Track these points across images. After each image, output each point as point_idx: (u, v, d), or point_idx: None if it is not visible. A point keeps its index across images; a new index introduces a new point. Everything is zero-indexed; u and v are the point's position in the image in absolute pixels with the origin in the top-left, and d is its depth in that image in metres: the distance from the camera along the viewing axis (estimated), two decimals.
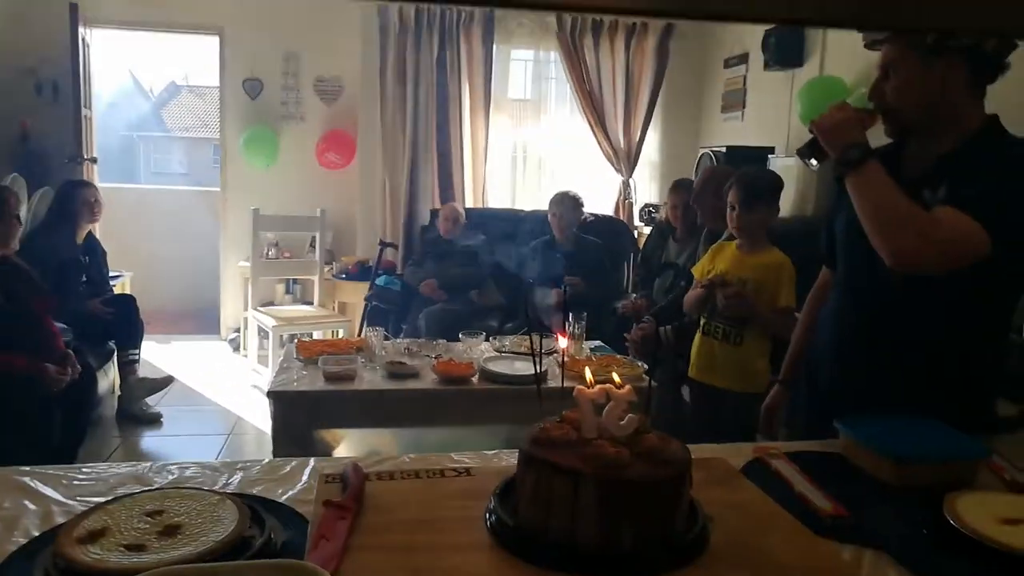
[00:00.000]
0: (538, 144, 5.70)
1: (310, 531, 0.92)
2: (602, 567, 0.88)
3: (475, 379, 2.54)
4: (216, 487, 1.09)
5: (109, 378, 4.07)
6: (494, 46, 5.33)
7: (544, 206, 4.48)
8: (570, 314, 2.86)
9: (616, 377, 1.04)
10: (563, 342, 1.36)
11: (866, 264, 1.49)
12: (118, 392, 4.06)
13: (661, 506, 0.92)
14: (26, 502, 1.02)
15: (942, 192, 1.37)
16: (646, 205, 5.44)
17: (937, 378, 1.43)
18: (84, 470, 1.14)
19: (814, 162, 1.53)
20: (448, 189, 5.34)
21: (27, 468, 1.13)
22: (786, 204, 3.17)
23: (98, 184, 4.72)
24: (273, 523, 0.95)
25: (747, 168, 2.86)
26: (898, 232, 1.35)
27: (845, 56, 3.91)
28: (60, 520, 0.96)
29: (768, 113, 4.65)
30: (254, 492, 1.08)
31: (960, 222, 1.30)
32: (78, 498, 1.04)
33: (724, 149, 4.34)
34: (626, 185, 5.58)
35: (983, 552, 0.95)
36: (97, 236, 4.28)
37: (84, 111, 5.09)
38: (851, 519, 1.05)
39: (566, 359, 1.40)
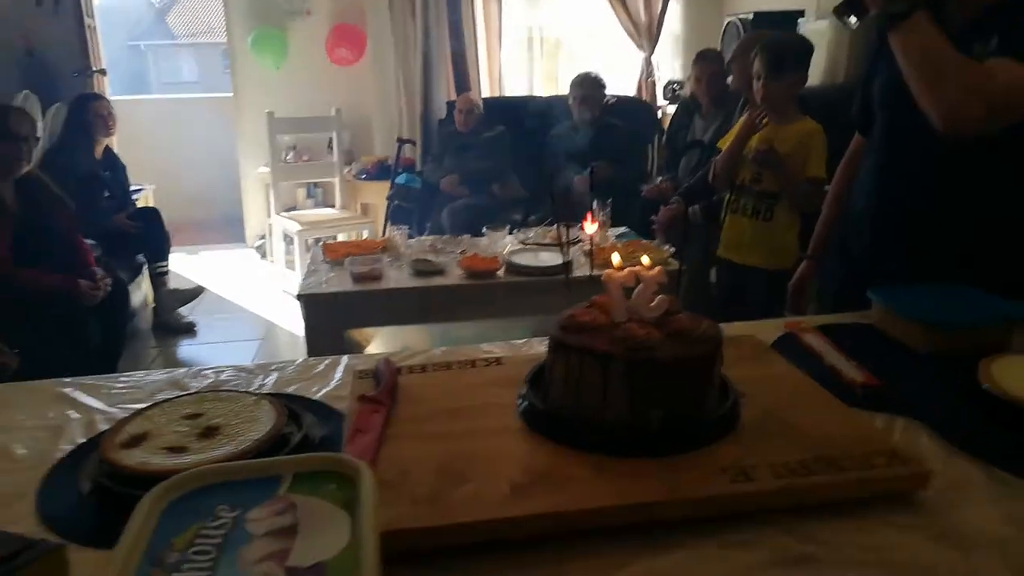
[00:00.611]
0: (554, 25, 5.46)
1: (346, 425, 0.94)
2: (634, 446, 0.89)
3: (501, 272, 2.54)
4: (252, 389, 1.11)
5: (142, 291, 4.16)
6: None
7: (564, 91, 4.33)
8: (595, 201, 2.82)
9: (645, 259, 1.02)
10: (591, 227, 1.32)
11: (907, 125, 1.42)
12: (151, 304, 4.15)
13: (691, 385, 0.92)
14: (70, 412, 1.06)
15: (994, 43, 1.27)
16: (670, 82, 5.24)
17: (979, 247, 1.38)
18: (123, 379, 1.17)
19: (853, 19, 1.40)
20: (463, 79, 5.19)
21: (68, 379, 1.16)
22: (816, 71, 3.01)
23: (110, 97, 4.66)
24: (310, 420, 0.97)
25: (773, 34, 2.72)
26: (947, 86, 1.25)
27: None
28: (103, 428, 0.99)
29: None
30: (289, 391, 1.11)
31: (1016, 74, 1.21)
32: (119, 406, 1.07)
33: (751, 16, 4.11)
34: (648, 62, 5.36)
35: (1016, 414, 0.94)
36: (115, 150, 4.27)
37: (87, 20, 4.96)
38: (883, 388, 1.05)
39: (593, 247, 1.37)
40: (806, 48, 2.46)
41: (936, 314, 1.19)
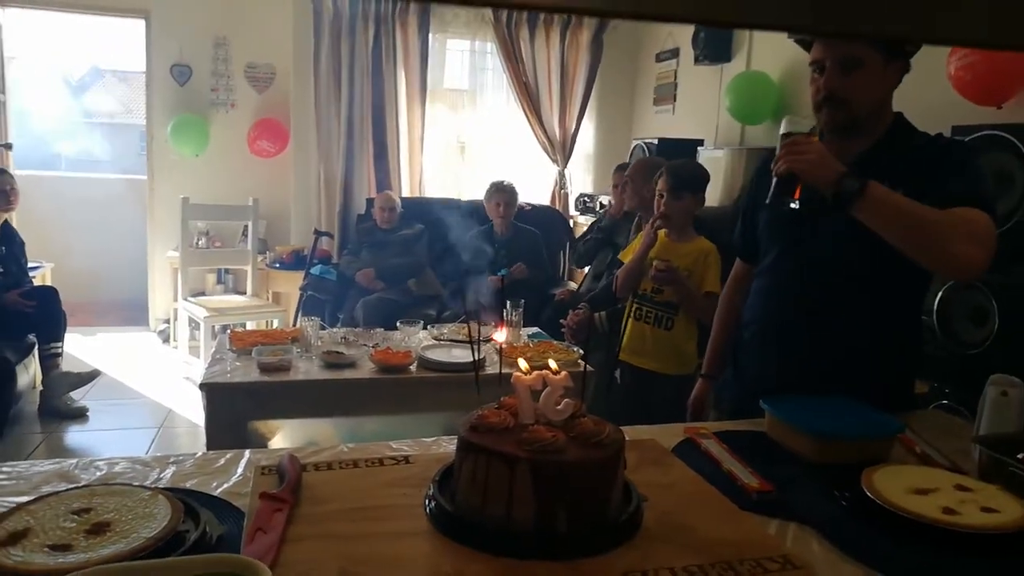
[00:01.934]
0: (475, 134, 5.69)
1: (246, 524, 0.91)
2: (539, 549, 0.90)
3: (413, 367, 2.53)
4: (147, 483, 1.06)
5: (30, 372, 3.90)
6: (430, 35, 5.29)
7: (481, 195, 4.48)
8: (508, 302, 2.88)
9: (553, 364, 1.06)
10: (501, 335, 1.37)
11: (792, 260, 1.56)
12: (40, 387, 3.89)
13: (596, 488, 0.94)
14: None
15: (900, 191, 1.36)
16: (581, 195, 5.51)
17: (861, 361, 1.50)
18: (3, 469, 1.10)
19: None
20: (384, 178, 5.29)
21: None
22: (714, 194, 3.26)
23: (14, 171, 4.50)
24: (208, 517, 0.94)
25: (676, 159, 2.94)
26: (949, 242, 1.31)
27: (770, 52, 4.04)
28: None
29: (698, 106, 4.76)
30: (187, 486, 1.06)
31: (980, 216, 1.33)
32: None
33: (656, 141, 4.42)
34: (562, 175, 5.63)
35: (898, 521, 1.01)
36: (14, 225, 4.08)
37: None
38: (776, 494, 1.10)
39: (504, 346, 1.41)
40: (704, 174, 2.67)
41: (824, 426, 1.27)
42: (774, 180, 1.44)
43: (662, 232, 2.62)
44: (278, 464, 1.07)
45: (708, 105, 4.58)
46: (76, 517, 0.87)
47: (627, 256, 2.75)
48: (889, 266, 1.45)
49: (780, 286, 1.61)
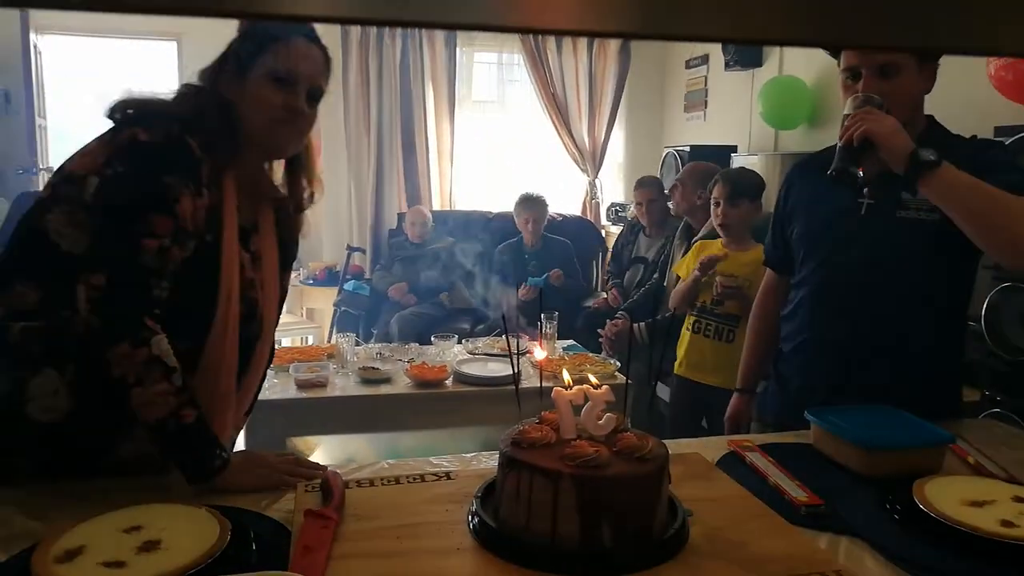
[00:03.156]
0: (504, 146, 5.71)
1: (293, 541, 0.91)
2: (585, 566, 0.89)
3: (449, 382, 2.54)
4: (194, 500, 1.07)
5: None
6: (457, 49, 5.33)
7: (511, 207, 4.49)
8: (542, 314, 2.88)
9: (593, 378, 1.05)
10: (540, 353, 1.37)
11: (836, 268, 1.52)
12: None
13: (641, 503, 0.93)
14: None
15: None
16: (613, 204, 5.49)
17: (908, 369, 1.47)
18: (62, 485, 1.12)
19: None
20: (415, 192, 5.33)
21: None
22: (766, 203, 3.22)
23: None
24: (255, 534, 0.94)
25: (731, 167, 2.92)
26: (1020, 224, 1.29)
27: (801, 57, 3.99)
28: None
29: (730, 112, 4.72)
30: (234, 504, 1.07)
31: None
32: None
33: (688, 148, 4.40)
34: (592, 185, 5.62)
35: (953, 534, 0.98)
36: None
37: (39, 120, 4.97)
38: (826, 508, 1.08)
39: (542, 362, 1.40)
40: (760, 181, 2.64)
41: (872, 437, 1.24)
42: (838, 151, 1.40)
43: (718, 241, 2.60)
44: (321, 481, 1.08)
45: (740, 111, 4.55)
46: (127, 535, 0.88)
47: (681, 270, 2.73)
48: (933, 270, 1.42)
49: (822, 296, 1.57)
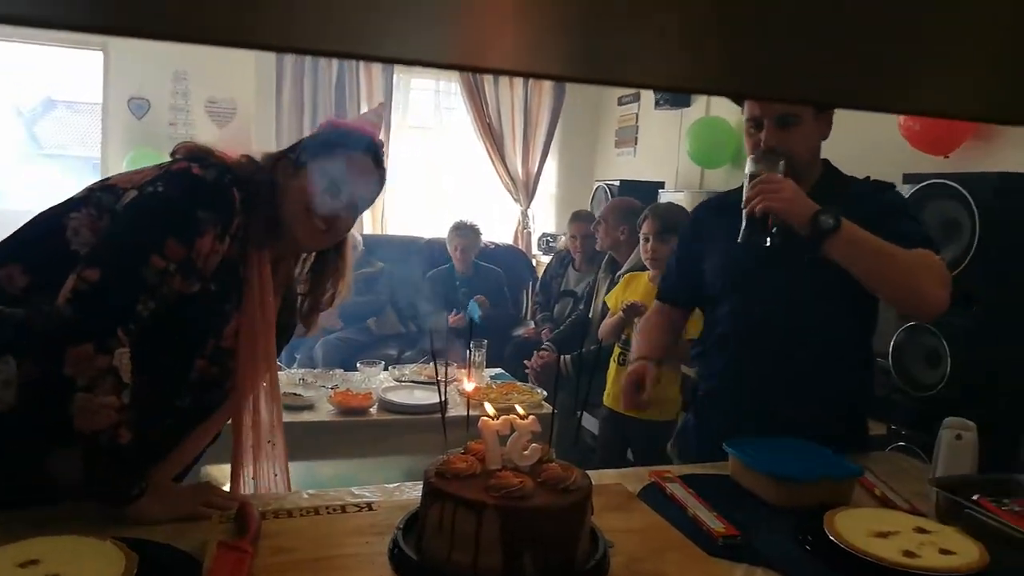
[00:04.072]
0: (438, 172, 5.72)
1: (204, 575, 0.87)
2: None
3: (374, 409, 2.50)
4: (98, 531, 1.02)
5: None
6: (394, 75, 5.33)
7: (443, 233, 4.49)
8: (471, 342, 2.87)
9: (520, 409, 1.05)
10: (469, 385, 1.36)
11: (754, 301, 1.56)
12: None
13: (564, 534, 0.94)
14: None
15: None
16: (544, 234, 5.56)
17: (819, 404, 1.51)
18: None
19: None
20: None
21: None
22: None
23: None
24: (163, 568, 0.90)
25: (658, 203, 3.01)
26: (920, 281, 1.36)
27: (728, 99, 4.16)
28: None
29: (658, 149, 4.87)
30: (140, 536, 1.02)
31: (937, 259, 1.41)
32: None
33: (618, 182, 4.50)
34: (524, 215, 5.68)
35: (859, 565, 1.01)
36: None
37: None
38: (742, 539, 1.10)
39: (470, 392, 1.39)
40: (687, 217, 2.72)
41: (786, 469, 1.28)
42: (744, 218, 1.45)
43: (645, 275, 2.66)
44: (236, 511, 1.04)
45: (668, 148, 4.69)
46: (23, 571, 0.82)
47: (611, 300, 2.78)
48: (840, 309, 1.48)
49: (738, 335, 1.60)
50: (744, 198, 1.45)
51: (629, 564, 0.98)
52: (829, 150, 1.59)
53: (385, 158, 1.37)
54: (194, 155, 1.20)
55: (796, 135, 1.49)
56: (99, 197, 1.15)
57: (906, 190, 2.39)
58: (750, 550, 1.08)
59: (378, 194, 1.36)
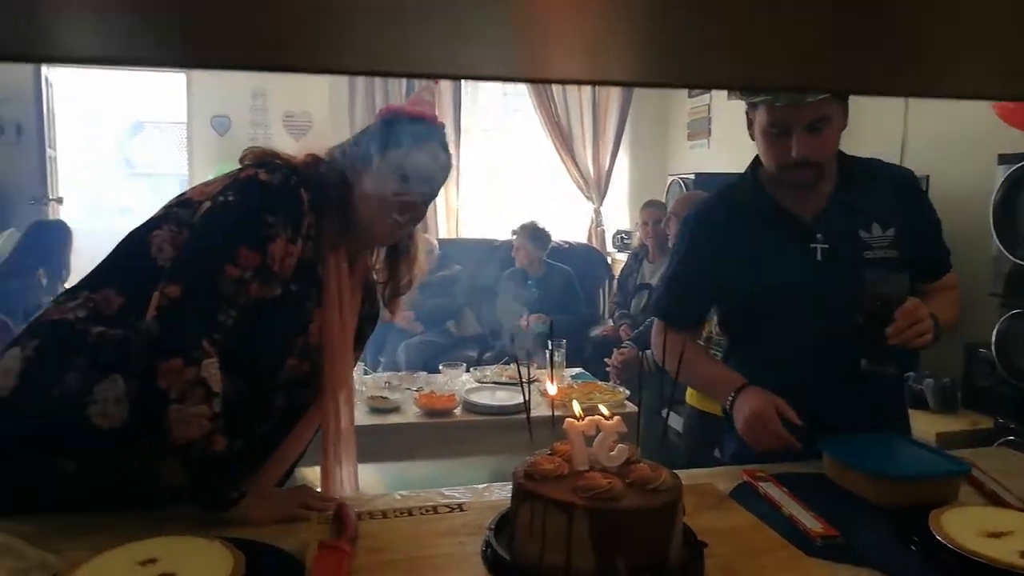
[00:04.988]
0: (510, 174, 5.75)
1: (307, 574, 0.91)
2: None
3: (458, 411, 2.53)
4: (206, 531, 1.07)
5: None
6: (462, 80, 5.39)
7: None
8: (550, 342, 2.87)
9: (604, 409, 1.05)
10: (552, 388, 1.32)
11: (799, 310, 1.45)
12: None
13: (655, 535, 0.93)
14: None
15: (890, 224, 1.45)
16: (618, 231, 5.51)
17: (867, 401, 1.43)
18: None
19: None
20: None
21: None
22: None
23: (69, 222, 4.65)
24: (268, 567, 0.94)
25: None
26: (958, 316, 1.47)
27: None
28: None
29: (734, 140, 4.75)
30: (245, 536, 1.07)
31: (955, 279, 1.52)
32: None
33: (693, 176, 4.42)
34: (597, 212, 5.64)
35: (972, 566, 0.97)
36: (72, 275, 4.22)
37: (49, 151, 5.03)
38: (841, 539, 1.07)
39: (554, 396, 1.36)
40: None
41: (890, 467, 1.23)
42: (864, 336, 1.35)
43: None
44: (333, 513, 1.07)
45: (744, 138, 4.56)
46: (143, 569, 0.87)
47: None
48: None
49: (781, 343, 1.48)
50: (869, 315, 1.33)
51: (725, 566, 0.96)
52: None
53: (451, 145, 1.37)
54: (260, 160, 1.22)
55: (826, 138, 1.41)
56: (177, 213, 1.19)
57: (1001, 171, 2.27)
58: (851, 551, 1.05)
59: (446, 178, 1.34)
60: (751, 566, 0.96)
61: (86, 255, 5.22)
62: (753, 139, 1.54)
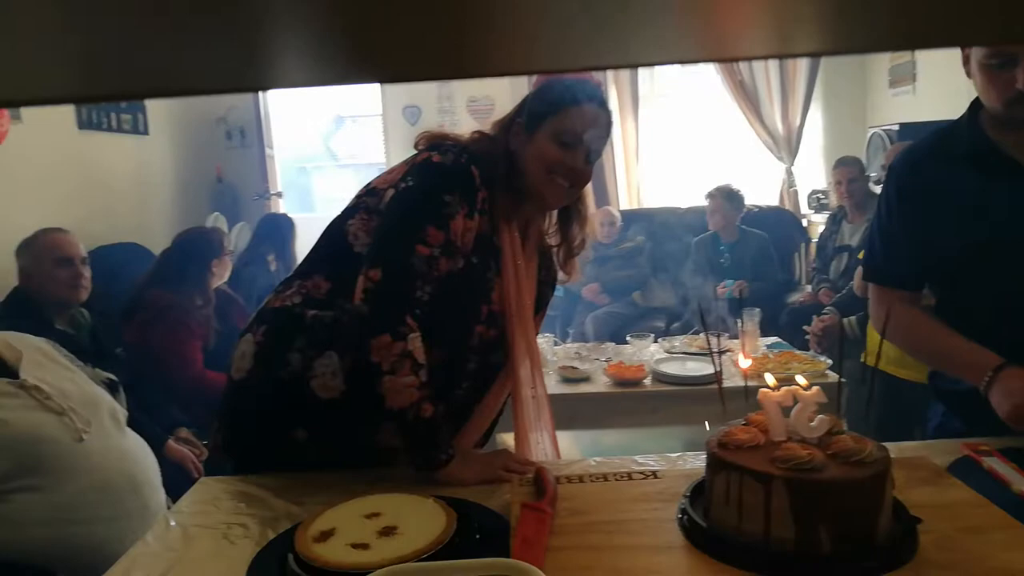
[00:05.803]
0: (692, 139, 5.58)
1: (512, 533, 0.97)
2: (801, 569, 0.87)
3: (647, 381, 2.54)
4: (421, 490, 1.17)
5: None
6: None
7: (702, 201, 4.39)
8: (743, 311, 2.79)
9: (801, 379, 1.02)
10: (744, 362, 1.30)
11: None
12: None
13: (861, 508, 0.89)
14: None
15: None
16: (813, 191, 5.17)
17: None
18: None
19: None
20: (602, 193, 5.36)
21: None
22: None
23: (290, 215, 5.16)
24: (478, 524, 1.02)
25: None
26: None
27: None
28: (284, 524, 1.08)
29: (944, 84, 4.27)
30: (456, 495, 1.16)
31: None
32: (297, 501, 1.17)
33: (897, 127, 4.04)
34: (789, 173, 5.33)
35: None
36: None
37: (267, 151, 5.60)
38: None
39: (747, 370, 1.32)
40: None
41: None
42: None
43: None
44: (534, 476, 1.14)
45: (956, 82, 4.10)
46: (369, 521, 0.99)
47: None
48: None
49: (1006, 303, 1.34)
50: None
51: (942, 542, 0.90)
52: None
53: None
54: (432, 143, 1.31)
55: None
56: (366, 201, 1.30)
57: None
58: None
59: (608, 135, 1.35)
60: (973, 544, 0.90)
61: (304, 242, 5.79)
62: (970, 76, 1.38)
